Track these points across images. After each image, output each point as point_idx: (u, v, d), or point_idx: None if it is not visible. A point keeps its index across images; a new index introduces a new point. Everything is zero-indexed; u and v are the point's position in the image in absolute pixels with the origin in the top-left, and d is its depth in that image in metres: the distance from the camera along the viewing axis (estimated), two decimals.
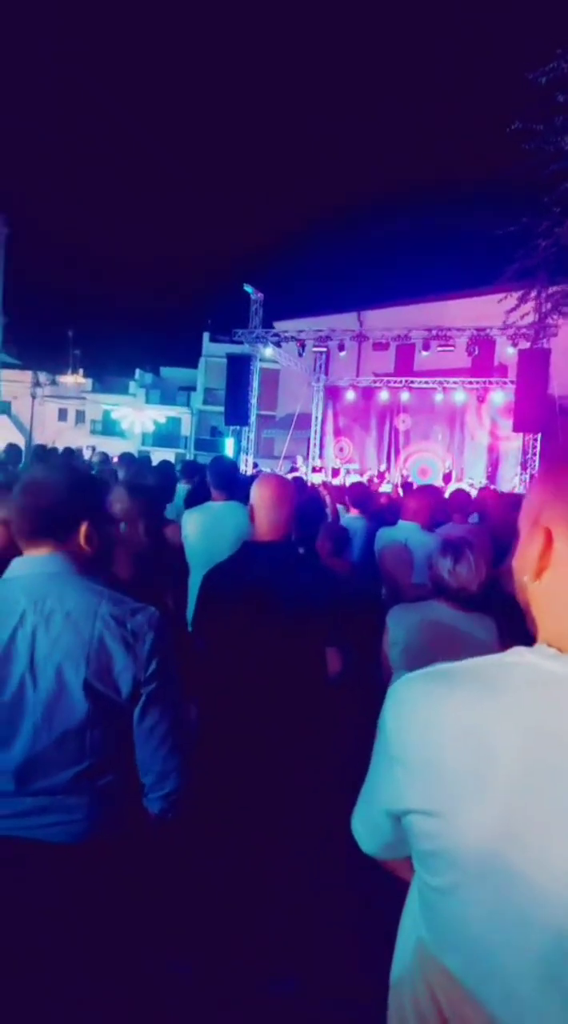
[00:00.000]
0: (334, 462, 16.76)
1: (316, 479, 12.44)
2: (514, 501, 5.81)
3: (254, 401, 15.80)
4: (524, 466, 13.06)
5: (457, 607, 2.35)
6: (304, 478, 11.20)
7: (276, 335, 15.80)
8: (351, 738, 2.55)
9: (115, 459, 7.44)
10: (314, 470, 15.40)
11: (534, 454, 12.88)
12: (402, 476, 15.08)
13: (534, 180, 10.21)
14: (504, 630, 2.30)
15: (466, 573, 2.31)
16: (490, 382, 14.94)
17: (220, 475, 3.64)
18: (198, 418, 37.27)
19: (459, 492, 5.58)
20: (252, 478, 3.23)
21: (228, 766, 2.15)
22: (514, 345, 12.71)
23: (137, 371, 38.99)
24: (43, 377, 36.25)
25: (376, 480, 13.37)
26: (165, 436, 36.09)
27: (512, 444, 14.35)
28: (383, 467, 16.12)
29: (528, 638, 0.78)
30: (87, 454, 8.86)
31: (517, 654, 0.76)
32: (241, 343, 15.79)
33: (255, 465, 15.59)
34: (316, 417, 17.43)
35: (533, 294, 11.75)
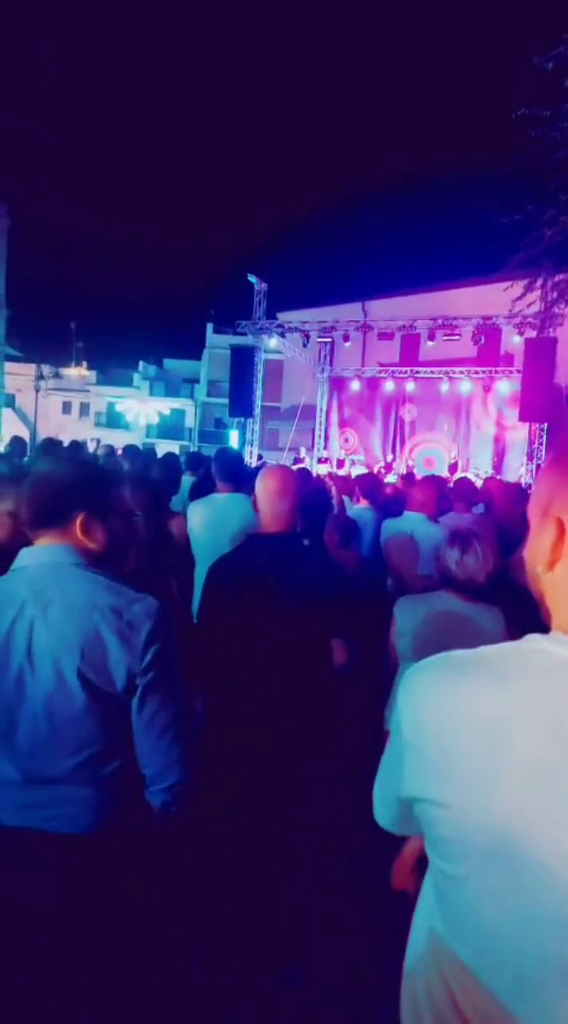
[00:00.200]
0: (339, 453, 16.72)
1: (322, 470, 12.42)
2: (520, 491, 5.78)
3: (258, 392, 15.75)
4: (530, 456, 13.00)
5: (465, 598, 2.34)
6: (309, 469, 11.18)
7: (280, 326, 15.72)
8: (356, 729, 2.55)
9: (120, 451, 7.43)
10: (320, 461, 15.38)
11: (540, 444, 12.81)
12: (407, 467, 15.05)
13: (540, 167, 10.10)
14: (512, 621, 2.29)
15: (473, 564, 2.30)
16: (496, 371, 14.86)
17: (225, 467, 3.63)
18: (202, 410, 37.23)
19: (462, 481, 5.57)
20: (257, 470, 3.22)
21: (233, 757, 2.15)
22: (520, 334, 12.62)
23: (141, 363, 38.91)
24: (47, 370, 36.30)
25: (383, 471, 13.35)
26: (169, 428, 36.07)
27: (518, 434, 14.28)
28: (390, 458, 16.10)
29: (537, 629, 0.78)
30: (91, 446, 8.85)
31: (532, 641, 0.75)
32: (245, 334, 15.73)
33: (260, 457, 15.56)
34: (321, 408, 17.38)
35: (539, 283, 11.64)
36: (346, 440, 17.24)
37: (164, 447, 19.56)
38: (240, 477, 3.62)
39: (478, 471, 13.56)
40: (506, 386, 14.51)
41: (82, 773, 1.38)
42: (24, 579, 1.42)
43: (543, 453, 12.62)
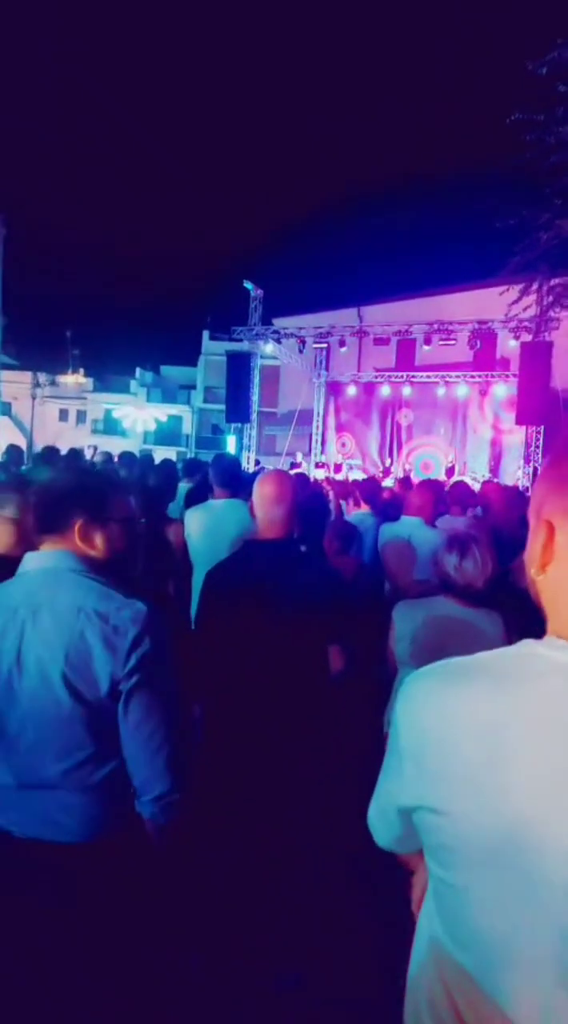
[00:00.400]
0: (336, 458, 16.73)
1: (319, 475, 12.41)
2: (517, 494, 5.79)
3: (255, 398, 15.77)
4: (527, 459, 13.02)
5: (464, 602, 2.32)
6: (306, 474, 11.17)
7: (276, 332, 15.75)
8: (354, 731, 2.54)
9: (116, 459, 7.42)
10: (317, 466, 15.38)
11: (537, 447, 12.84)
12: (404, 471, 15.07)
13: (535, 172, 10.14)
14: (512, 625, 2.28)
15: (472, 569, 2.29)
16: (492, 375, 14.91)
17: (222, 473, 3.62)
18: (199, 416, 37.29)
19: (458, 485, 5.57)
20: (254, 475, 3.21)
21: (231, 765, 2.14)
22: (516, 338, 12.66)
23: (137, 370, 38.99)
24: (43, 378, 36.32)
25: (381, 475, 13.36)
26: (167, 434, 36.10)
27: (515, 437, 14.31)
28: (388, 462, 16.12)
29: (537, 633, 0.78)
30: (89, 454, 8.84)
31: (526, 646, 0.76)
32: (241, 340, 15.75)
33: (257, 462, 15.57)
34: (318, 413, 17.40)
35: (534, 287, 11.69)
36: (343, 445, 17.26)
37: (161, 453, 19.57)
38: (237, 483, 3.61)
39: (475, 475, 13.59)
40: (502, 390, 14.55)
41: (72, 778, 1.37)
42: (21, 585, 1.45)
43: (540, 456, 12.64)
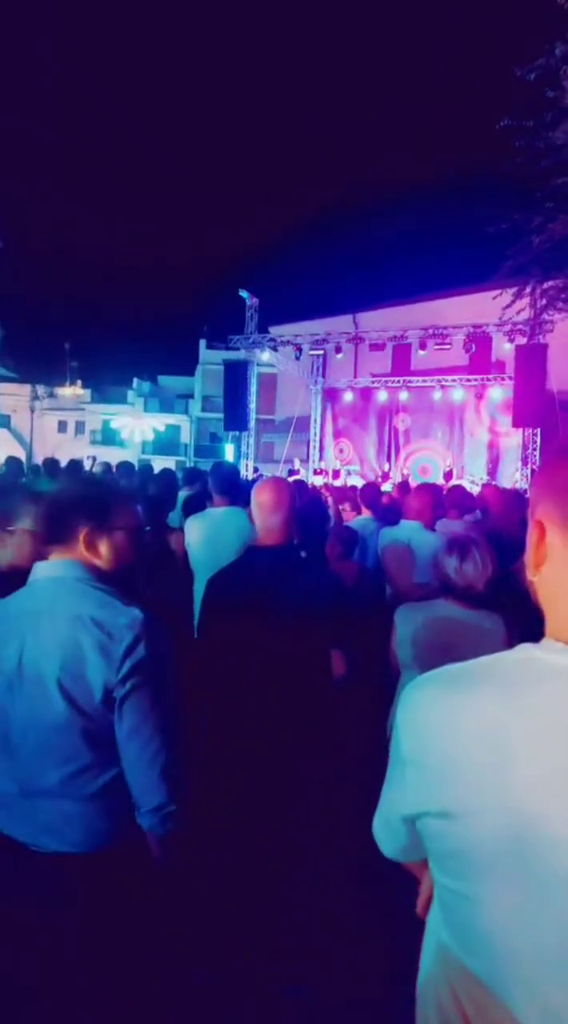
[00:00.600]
0: (334, 464, 16.76)
1: (318, 481, 12.44)
2: (516, 497, 5.80)
3: (253, 406, 15.80)
4: (525, 461, 13.05)
5: (465, 605, 2.33)
6: (305, 480, 11.19)
7: (272, 340, 15.79)
8: (356, 734, 2.55)
9: (115, 469, 7.43)
10: (316, 472, 15.40)
11: (534, 449, 12.87)
12: (403, 475, 15.09)
13: (526, 176, 10.20)
14: (513, 627, 2.29)
15: (473, 571, 2.30)
16: (488, 379, 14.94)
17: (221, 480, 3.64)
18: (197, 425, 37.33)
19: (456, 488, 5.58)
20: (253, 483, 3.22)
21: (232, 768, 2.14)
22: (511, 341, 12.70)
23: (135, 380, 39.05)
24: (41, 390, 36.42)
25: (380, 480, 13.37)
26: (165, 444, 36.15)
27: (512, 440, 14.34)
28: (386, 467, 16.14)
29: (538, 634, 0.78)
30: (87, 464, 8.86)
31: (524, 650, 0.76)
32: (238, 349, 15.80)
33: (256, 470, 15.59)
34: (315, 420, 17.43)
35: (528, 290, 11.74)
36: (341, 451, 17.29)
37: (160, 463, 19.57)
38: (236, 491, 3.62)
39: (473, 478, 13.61)
40: (498, 393, 14.59)
41: (71, 787, 1.37)
42: (28, 594, 1.47)
43: (537, 458, 12.67)
